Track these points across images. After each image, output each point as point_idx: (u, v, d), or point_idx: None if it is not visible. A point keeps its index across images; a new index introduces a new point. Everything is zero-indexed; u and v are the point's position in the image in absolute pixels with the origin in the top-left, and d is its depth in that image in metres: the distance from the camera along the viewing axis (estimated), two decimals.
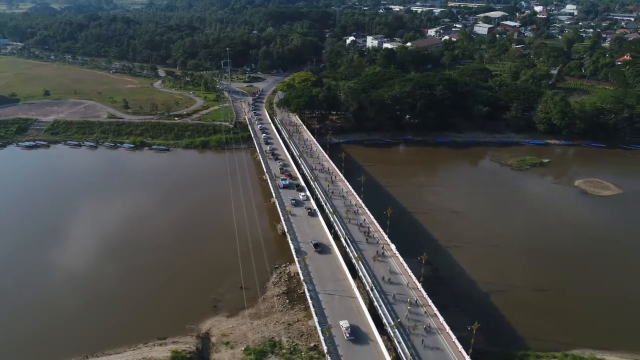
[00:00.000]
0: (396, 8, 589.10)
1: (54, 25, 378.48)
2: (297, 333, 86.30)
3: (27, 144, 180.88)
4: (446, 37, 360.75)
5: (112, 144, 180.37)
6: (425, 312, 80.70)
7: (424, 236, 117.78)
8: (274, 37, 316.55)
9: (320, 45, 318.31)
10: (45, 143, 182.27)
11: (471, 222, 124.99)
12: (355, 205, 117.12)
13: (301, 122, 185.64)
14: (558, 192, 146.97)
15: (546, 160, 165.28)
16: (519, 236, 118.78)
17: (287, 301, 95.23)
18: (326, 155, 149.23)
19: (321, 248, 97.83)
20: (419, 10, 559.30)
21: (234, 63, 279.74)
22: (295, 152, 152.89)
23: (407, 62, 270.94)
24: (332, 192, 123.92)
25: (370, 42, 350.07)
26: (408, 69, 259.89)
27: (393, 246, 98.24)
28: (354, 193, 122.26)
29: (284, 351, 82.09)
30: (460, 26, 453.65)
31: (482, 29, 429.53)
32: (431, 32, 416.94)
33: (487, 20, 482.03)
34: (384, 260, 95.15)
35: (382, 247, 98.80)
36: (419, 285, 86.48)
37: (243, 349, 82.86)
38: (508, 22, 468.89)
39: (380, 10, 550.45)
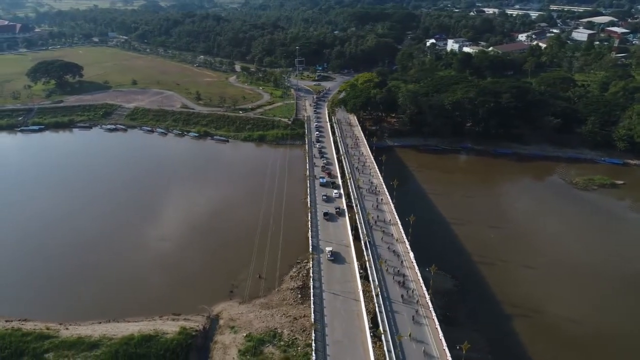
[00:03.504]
0: (490, 11, 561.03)
1: (154, 21, 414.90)
2: (299, 328, 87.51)
3: (109, 127, 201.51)
4: (535, 43, 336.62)
5: (180, 132, 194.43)
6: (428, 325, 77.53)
7: (455, 248, 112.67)
8: (349, 37, 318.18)
9: (395, 46, 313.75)
10: (124, 127, 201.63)
11: (509, 240, 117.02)
12: (386, 209, 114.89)
13: (357, 123, 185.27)
14: (626, 220, 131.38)
15: (620, 182, 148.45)
16: (562, 260, 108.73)
17: (300, 296, 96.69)
18: (371, 157, 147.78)
19: (335, 257, 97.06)
20: (514, 13, 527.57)
21: (307, 61, 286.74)
22: (342, 151, 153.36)
23: (484, 67, 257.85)
24: (367, 192, 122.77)
25: (451, 45, 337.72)
26: (484, 75, 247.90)
27: (412, 254, 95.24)
28: (387, 193, 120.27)
29: (282, 343, 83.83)
30: (558, 31, 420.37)
31: (581, 35, 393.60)
32: (522, 36, 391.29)
33: (589, 25, 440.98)
34: (400, 267, 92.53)
35: (402, 254, 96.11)
36: (427, 297, 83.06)
37: (245, 335, 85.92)
38: (615, 29, 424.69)
39: (471, 13, 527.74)
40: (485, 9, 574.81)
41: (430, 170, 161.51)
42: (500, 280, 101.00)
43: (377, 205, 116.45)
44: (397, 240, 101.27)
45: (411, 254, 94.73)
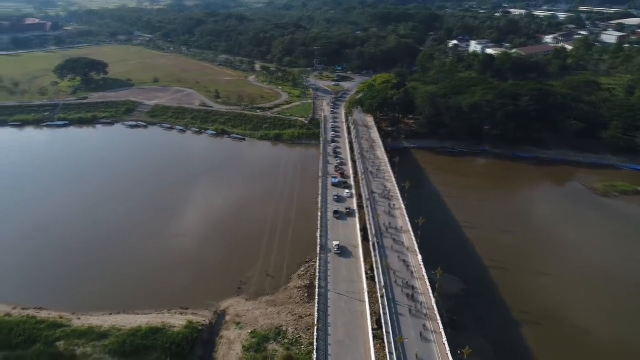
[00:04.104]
0: (516, 12, 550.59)
1: (178, 20, 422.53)
2: (304, 326, 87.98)
3: (130, 123, 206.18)
4: (561, 45, 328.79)
5: (198, 130, 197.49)
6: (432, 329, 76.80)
7: (466, 252, 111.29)
8: (370, 37, 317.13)
9: (416, 47, 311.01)
10: (144, 124, 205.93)
11: (523, 245, 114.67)
12: (397, 209, 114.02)
13: (374, 124, 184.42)
14: None
15: None
16: (578, 267, 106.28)
17: (306, 295, 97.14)
18: (387, 161, 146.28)
19: (342, 251, 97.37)
20: (542, 14, 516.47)
21: (327, 62, 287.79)
22: (357, 152, 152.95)
23: (506, 69, 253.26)
24: (380, 197, 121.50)
25: (474, 46, 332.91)
26: (506, 77, 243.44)
27: (420, 257, 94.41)
28: (400, 199, 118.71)
29: (285, 341, 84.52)
30: (586, 33, 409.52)
31: (610, 37, 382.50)
32: (548, 38, 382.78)
33: (619, 27, 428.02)
34: (408, 270, 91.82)
35: (412, 264, 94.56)
36: (433, 300, 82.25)
37: (250, 331, 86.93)
38: None
39: (497, 14, 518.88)
40: (512, 10, 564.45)
41: (445, 173, 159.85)
42: (510, 286, 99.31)
43: (390, 211, 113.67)
44: (408, 248, 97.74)
45: (422, 265, 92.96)
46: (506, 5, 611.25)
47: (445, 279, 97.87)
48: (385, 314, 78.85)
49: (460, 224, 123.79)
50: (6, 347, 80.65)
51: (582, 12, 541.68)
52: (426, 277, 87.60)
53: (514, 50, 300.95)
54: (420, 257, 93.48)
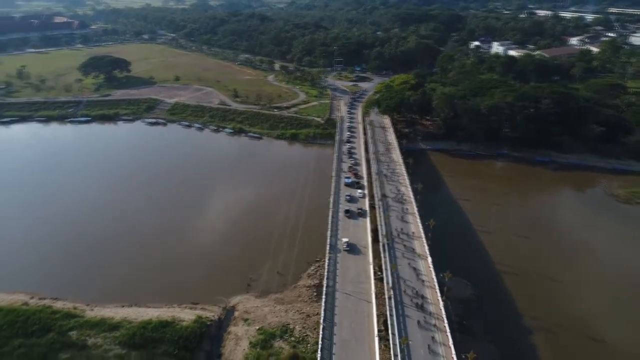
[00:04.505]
0: (542, 13, 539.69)
1: (201, 19, 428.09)
2: (311, 325, 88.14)
3: (150, 120, 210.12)
4: (586, 47, 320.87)
5: (216, 128, 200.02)
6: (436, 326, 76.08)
7: (479, 256, 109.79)
8: (390, 38, 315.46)
9: (436, 48, 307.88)
10: (164, 121, 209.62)
11: (539, 251, 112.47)
12: (410, 214, 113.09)
13: (390, 125, 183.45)
14: None
15: None
16: (595, 276, 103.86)
17: (315, 294, 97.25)
18: (402, 164, 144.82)
19: (351, 248, 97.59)
20: (568, 16, 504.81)
21: (346, 62, 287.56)
22: (371, 152, 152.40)
23: (528, 71, 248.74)
24: (393, 201, 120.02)
25: (496, 48, 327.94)
26: (528, 79, 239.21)
27: (430, 259, 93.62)
28: (413, 203, 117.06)
29: (292, 339, 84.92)
30: (614, 35, 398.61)
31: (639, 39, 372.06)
32: (574, 40, 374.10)
33: None
34: (416, 272, 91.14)
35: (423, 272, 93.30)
36: (441, 304, 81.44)
37: (258, 328, 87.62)
38: None
39: (522, 15, 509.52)
40: (537, 11, 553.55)
41: (461, 175, 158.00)
42: (523, 292, 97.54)
43: (402, 216, 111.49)
44: (419, 255, 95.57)
45: (431, 268, 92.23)
46: (532, 6, 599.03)
47: (456, 283, 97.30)
48: (391, 315, 78.50)
49: (474, 227, 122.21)
50: (22, 335, 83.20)
51: (611, 13, 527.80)
52: (436, 282, 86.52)
53: (537, 52, 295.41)
54: (430, 259, 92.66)
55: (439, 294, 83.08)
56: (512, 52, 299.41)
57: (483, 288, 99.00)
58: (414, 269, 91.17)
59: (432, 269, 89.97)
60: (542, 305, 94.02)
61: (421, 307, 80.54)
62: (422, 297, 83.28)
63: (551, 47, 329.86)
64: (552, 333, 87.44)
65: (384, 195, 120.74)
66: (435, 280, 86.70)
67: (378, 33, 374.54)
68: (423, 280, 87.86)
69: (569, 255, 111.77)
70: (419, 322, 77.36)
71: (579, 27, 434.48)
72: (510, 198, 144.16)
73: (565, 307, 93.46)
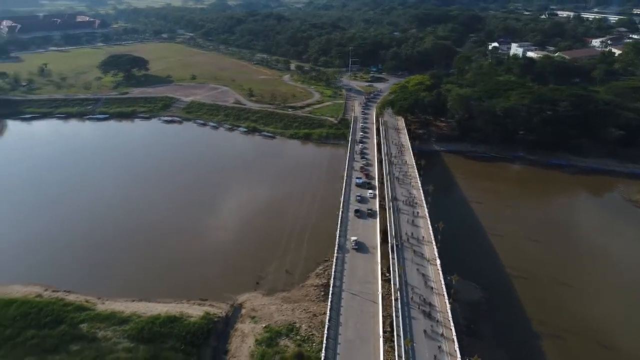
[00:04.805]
0: (563, 14, 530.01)
1: (219, 19, 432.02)
2: (318, 324, 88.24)
3: (166, 118, 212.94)
4: (608, 49, 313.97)
5: (230, 127, 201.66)
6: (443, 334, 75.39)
7: (490, 259, 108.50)
8: (407, 38, 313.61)
9: (453, 49, 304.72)
10: (179, 119, 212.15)
11: (551, 255, 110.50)
12: (421, 218, 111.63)
13: (404, 126, 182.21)
14: None
15: None
16: (610, 281, 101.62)
17: (322, 293, 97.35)
18: (415, 167, 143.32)
19: (359, 247, 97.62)
20: (591, 17, 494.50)
21: (363, 62, 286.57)
22: (384, 153, 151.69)
23: (547, 73, 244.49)
24: (404, 204, 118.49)
25: (514, 49, 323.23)
26: (547, 81, 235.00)
27: (438, 262, 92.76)
28: (425, 206, 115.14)
29: (297, 337, 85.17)
30: (638, 37, 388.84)
31: None
32: (595, 42, 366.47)
33: None
34: (424, 273, 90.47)
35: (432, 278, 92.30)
36: (448, 307, 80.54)
37: (264, 325, 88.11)
38: None
39: (543, 16, 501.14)
40: (559, 12, 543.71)
41: (475, 177, 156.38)
42: (534, 296, 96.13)
43: (413, 220, 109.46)
44: (428, 260, 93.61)
45: (438, 261, 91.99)
46: (553, 7, 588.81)
47: (466, 286, 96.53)
48: (397, 316, 78.09)
49: (486, 230, 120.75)
50: (35, 326, 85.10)
51: (635, 14, 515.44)
52: (444, 285, 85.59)
53: (557, 54, 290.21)
54: (439, 261, 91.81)
55: (446, 297, 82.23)
56: (531, 54, 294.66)
57: (493, 291, 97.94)
58: (423, 274, 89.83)
59: (440, 271, 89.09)
60: (553, 310, 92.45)
61: (428, 313, 79.52)
62: (430, 303, 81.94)
63: (572, 48, 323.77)
64: (563, 339, 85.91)
65: (394, 198, 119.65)
66: (442, 282, 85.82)
67: (395, 33, 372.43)
68: (431, 284, 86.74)
69: (583, 260, 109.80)
70: (424, 312, 77.44)
71: (602, 28, 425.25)
72: (524, 201, 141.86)
73: (577, 313, 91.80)
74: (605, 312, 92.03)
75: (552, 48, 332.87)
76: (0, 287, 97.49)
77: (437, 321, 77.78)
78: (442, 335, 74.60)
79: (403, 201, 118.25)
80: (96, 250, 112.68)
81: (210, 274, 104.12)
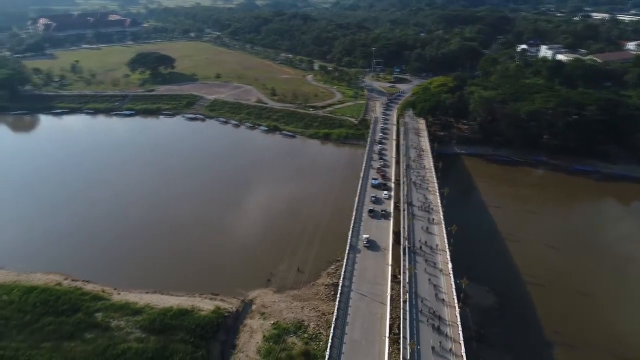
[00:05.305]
0: (598, 16, 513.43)
1: (246, 19, 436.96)
2: (326, 323, 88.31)
3: (189, 116, 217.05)
4: None
5: (251, 125, 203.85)
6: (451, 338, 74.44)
7: (504, 265, 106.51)
8: (432, 39, 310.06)
9: (479, 51, 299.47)
10: (202, 117, 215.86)
11: (569, 263, 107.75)
12: (437, 231, 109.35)
13: (425, 128, 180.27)
14: None
15: None
16: (630, 293, 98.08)
17: (332, 292, 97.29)
18: (433, 171, 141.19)
19: (370, 244, 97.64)
20: (627, 19, 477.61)
21: (386, 63, 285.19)
22: (402, 156, 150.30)
23: (577, 77, 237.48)
24: (419, 209, 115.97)
25: (544, 51, 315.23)
26: (576, 85, 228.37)
27: (450, 265, 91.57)
28: (440, 213, 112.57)
29: (305, 335, 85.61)
30: None
31: None
32: (631, 45, 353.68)
33: None
34: (434, 275, 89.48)
35: (439, 262, 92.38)
36: (457, 310, 79.52)
37: (273, 322, 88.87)
38: None
39: (576, 18, 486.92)
40: (594, 14, 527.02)
41: (495, 181, 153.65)
42: (549, 305, 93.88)
43: (427, 227, 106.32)
44: (441, 271, 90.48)
45: (450, 265, 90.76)
46: (588, 9, 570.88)
47: (478, 291, 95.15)
48: (405, 319, 77.48)
49: (503, 235, 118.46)
50: (52, 313, 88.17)
51: None
52: (454, 289, 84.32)
53: (588, 57, 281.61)
54: (450, 264, 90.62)
55: (455, 301, 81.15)
56: (560, 57, 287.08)
57: (506, 297, 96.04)
58: (434, 285, 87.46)
59: (451, 275, 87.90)
60: (568, 320, 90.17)
61: (437, 317, 78.57)
62: (440, 316, 79.66)
63: (604, 51, 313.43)
64: (576, 349, 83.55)
65: (410, 204, 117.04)
66: (453, 286, 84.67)
67: (421, 34, 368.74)
68: (442, 296, 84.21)
69: (604, 270, 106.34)
70: (432, 326, 75.92)
71: (638, 31, 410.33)
72: (545, 207, 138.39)
73: (595, 324, 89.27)
74: (627, 326, 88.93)
75: (583, 51, 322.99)
76: (24, 275, 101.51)
77: (445, 320, 77.48)
78: (450, 350, 72.00)
79: (419, 207, 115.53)
80: (116, 242, 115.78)
81: (223, 269, 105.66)
